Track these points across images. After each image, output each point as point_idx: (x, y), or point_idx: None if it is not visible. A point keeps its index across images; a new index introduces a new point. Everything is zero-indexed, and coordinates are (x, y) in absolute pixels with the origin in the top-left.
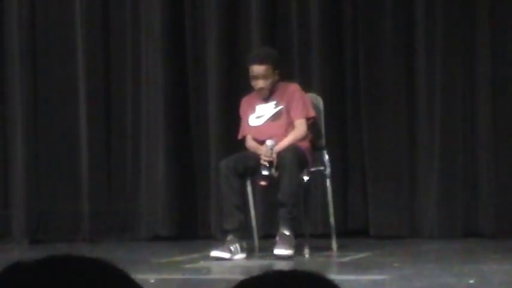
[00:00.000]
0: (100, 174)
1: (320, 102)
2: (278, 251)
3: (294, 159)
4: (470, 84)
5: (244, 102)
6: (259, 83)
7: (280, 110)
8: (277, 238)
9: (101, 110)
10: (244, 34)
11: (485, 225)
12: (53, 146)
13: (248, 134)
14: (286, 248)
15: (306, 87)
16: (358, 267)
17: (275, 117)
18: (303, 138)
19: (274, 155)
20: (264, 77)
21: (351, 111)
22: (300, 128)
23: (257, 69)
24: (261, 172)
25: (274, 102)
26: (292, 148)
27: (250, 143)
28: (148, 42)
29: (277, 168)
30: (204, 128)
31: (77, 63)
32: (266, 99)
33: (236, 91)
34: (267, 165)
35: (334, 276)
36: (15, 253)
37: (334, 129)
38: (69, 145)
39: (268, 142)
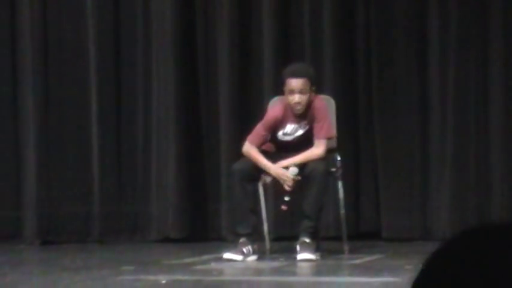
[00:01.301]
0: (111, 176)
1: (332, 104)
2: (301, 255)
3: (325, 171)
4: (483, 87)
5: (278, 111)
6: (296, 98)
7: (308, 130)
8: (298, 247)
9: (111, 112)
10: (257, 36)
11: None
12: (64, 147)
13: (257, 146)
14: (309, 252)
15: (319, 89)
16: (369, 269)
17: (304, 135)
18: (319, 159)
19: (298, 177)
20: (301, 91)
21: (363, 113)
22: (319, 148)
23: (295, 82)
24: (283, 198)
25: (306, 122)
26: (324, 161)
27: (257, 156)
28: (159, 43)
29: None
30: (214, 129)
31: (88, 65)
32: (298, 118)
33: (248, 94)
34: (290, 191)
35: (345, 279)
36: (27, 254)
37: (346, 131)
38: (80, 147)
39: (292, 170)
